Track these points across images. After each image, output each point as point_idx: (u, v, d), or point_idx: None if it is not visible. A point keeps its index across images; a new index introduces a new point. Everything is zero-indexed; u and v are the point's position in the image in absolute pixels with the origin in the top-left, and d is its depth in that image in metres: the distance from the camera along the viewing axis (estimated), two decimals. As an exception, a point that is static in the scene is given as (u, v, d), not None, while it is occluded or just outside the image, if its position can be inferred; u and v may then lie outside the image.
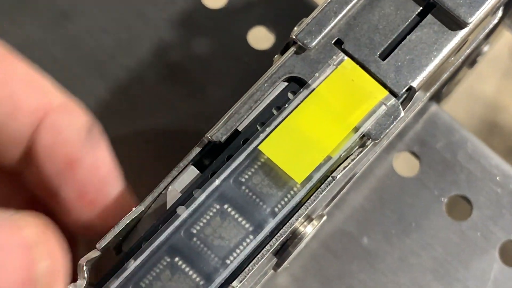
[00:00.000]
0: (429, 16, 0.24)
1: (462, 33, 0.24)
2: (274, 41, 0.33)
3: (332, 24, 0.24)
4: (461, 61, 0.28)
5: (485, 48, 0.31)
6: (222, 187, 0.23)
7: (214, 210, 0.23)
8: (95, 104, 0.31)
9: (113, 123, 0.31)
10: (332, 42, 0.24)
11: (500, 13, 0.28)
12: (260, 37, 0.33)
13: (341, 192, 0.28)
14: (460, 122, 0.33)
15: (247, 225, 0.22)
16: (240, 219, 0.23)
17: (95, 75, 0.32)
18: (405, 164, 0.33)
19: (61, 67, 0.32)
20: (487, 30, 0.27)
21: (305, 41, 0.24)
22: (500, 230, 0.31)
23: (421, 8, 0.24)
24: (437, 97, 0.32)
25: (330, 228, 0.31)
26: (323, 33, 0.24)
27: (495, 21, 0.28)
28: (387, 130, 0.24)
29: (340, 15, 0.24)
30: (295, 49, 0.24)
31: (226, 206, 0.23)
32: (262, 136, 0.23)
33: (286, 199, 0.23)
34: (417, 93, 0.24)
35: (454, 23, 0.24)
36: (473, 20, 0.24)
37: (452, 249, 0.31)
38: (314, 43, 0.24)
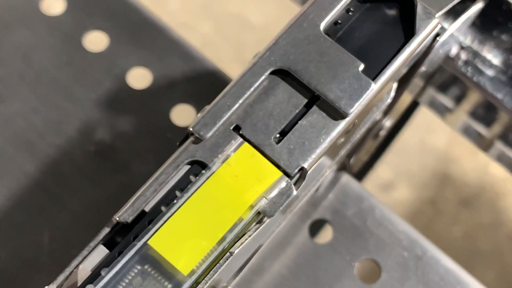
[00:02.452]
0: (314, 107, 0.27)
1: (344, 122, 0.26)
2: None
3: (226, 117, 0.26)
4: (359, 138, 0.30)
5: (387, 123, 0.33)
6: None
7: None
8: (25, 182, 0.33)
9: (43, 200, 0.33)
10: (231, 128, 0.27)
11: (392, 94, 0.30)
12: (183, 114, 0.36)
13: (249, 262, 0.30)
14: (368, 195, 0.35)
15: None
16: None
17: (25, 154, 0.34)
18: (318, 231, 0.35)
19: (-7, 148, 0.34)
20: (380, 109, 0.30)
21: (201, 133, 0.26)
22: (407, 292, 0.33)
23: (306, 100, 0.27)
24: (347, 168, 0.35)
25: (249, 294, 0.33)
26: (217, 125, 0.26)
27: (389, 101, 0.30)
28: (281, 208, 0.26)
29: (234, 107, 0.26)
30: (193, 139, 0.26)
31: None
32: (152, 230, 0.25)
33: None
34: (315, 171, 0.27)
35: (336, 113, 0.26)
36: (353, 110, 0.26)
37: (363, 311, 0.33)
38: (209, 135, 0.26)
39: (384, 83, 0.26)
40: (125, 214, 0.26)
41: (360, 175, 0.49)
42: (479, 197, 0.91)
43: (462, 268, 0.34)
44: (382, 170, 0.92)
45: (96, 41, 0.36)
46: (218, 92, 0.28)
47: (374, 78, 0.26)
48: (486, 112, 0.38)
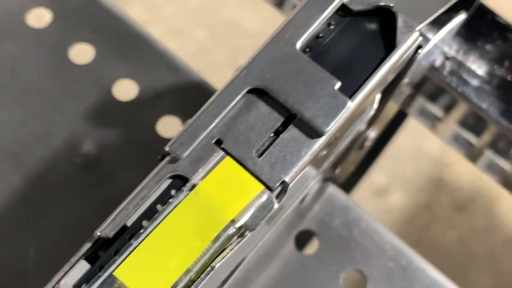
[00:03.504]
0: (291, 126, 0.27)
1: (321, 140, 0.26)
2: (183, 128, 0.35)
3: (202, 136, 0.26)
4: (343, 149, 0.30)
5: (372, 134, 0.33)
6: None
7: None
8: (11, 195, 0.33)
9: (29, 212, 0.33)
10: (213, 141, 0.27)
11: (375, 105, 0.30)
12: (169, 126, 0.36)
13: (233, 274, 0.30)
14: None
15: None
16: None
17: (11, 166, 0.34)
18: (305, 242, 0.35)
19: (-21, 160, 0.34)
20: (364, 121, 0.30)
21: (177, 152, 0.26)
22: (393, 302, 0.33)
23: (283, 119, 0.27)
24: (333, 178, 0.35)
25: (236, 306, 0.33)
26: (193, 145, 0.26)
27: (372, 112, 0.30)
28: (263, 221, 0.26)
29: (210, 127, 0.26)
30: (169, 158, 0.26)
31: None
32: (118, 261, 0.25)
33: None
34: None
35: (313, 132, 0.26)
36: (329, 129, 0.26)
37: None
38: (185, 154, 0.26)
39: (362, 100, 0.26)
40: (106, 229, 0.26)
41: (350, 184, 0.49)
42: (474, 202, 0.91)
43: (447, 278, 0.34)
44: (377, 175, 0.92)
45: (82, 53, 0.36)
46: (204, 103, 0.28)
47: (351, 95, 0.26)
48: (475, 121, 0.38)
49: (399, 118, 0.44)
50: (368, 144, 0.34)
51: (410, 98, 0.38)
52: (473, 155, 0.40)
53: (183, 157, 0.26)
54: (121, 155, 0.35)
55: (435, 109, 0.39)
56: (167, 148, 0.26)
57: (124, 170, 0.34)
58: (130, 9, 0.96)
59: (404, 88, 0.36)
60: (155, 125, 0.35)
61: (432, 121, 0.39)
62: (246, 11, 0.96)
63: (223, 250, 0.26)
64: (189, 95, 0.36)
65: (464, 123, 0.38)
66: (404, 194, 0.93)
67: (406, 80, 0.31)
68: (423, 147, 0.94)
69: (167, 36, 0.96)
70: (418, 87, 0.37)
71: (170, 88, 0.36)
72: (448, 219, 0.91)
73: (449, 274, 0.92)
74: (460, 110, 0.37)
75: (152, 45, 0.36)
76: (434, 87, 0.37)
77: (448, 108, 0.38)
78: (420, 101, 0.39)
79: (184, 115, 0.35)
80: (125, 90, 0.36)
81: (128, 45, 0.36)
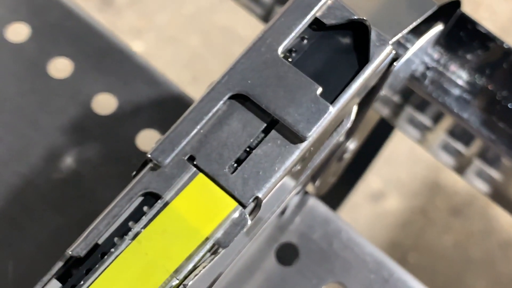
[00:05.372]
0: (273, 132, 0.27)
1: (302, 146, 0.26)
2: (162, 142, 0.35)
3: (184, 143, 0.26)
4: (321, 161, 0.30)
5: (351, 146, 0.33)
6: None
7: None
8: (-12, 211, 0.33)
9: (7, 229, 0.33)
10: (185, 158, 0.27)
11: (352, 117, 0.30)
12: (149, 139, 0.36)
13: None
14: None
15: None
16: None
17: (-12, 183, 0.34)
18: (285, 255, 0.35)
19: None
20: (340, 134, 0.30)
21: (159, 159, 0.26)
22: (374, 315, 0.33)
23: (265, 124, 0.27)
24: (314, 190, 0.35)
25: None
26: (175, 151, 0.26)
27: (349, 125, 0.30)
28: (236, 238, 0.26)
29: (192, 133, 0.26)
30: (151, 165, 0.26)
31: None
32: (90, 280, 0.25)
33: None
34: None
35: (295, 137, 0.26)
36: (312, 134, 0.26)
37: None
38: (167, 161, 0.26)
39: (342, 106, 0.26)
40: (78, 248, 0.25)
41: (340, 195, 0.49)
42: (470, 205, 0.91)
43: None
44: (372, 179, 0.92)
45: (60, 67, 0.36)
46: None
47: (332, 101, 0.26)
48: (459, 132, 0.38)
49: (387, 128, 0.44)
50: (347, 156, 0.34)
51: (395, 110, 0.38)
52: (459, 166, 0.39)
53: (165, 164, 0.26)
54: (100, 170, 0.34)
55: (421, 120, 0.38)
56: (148, 155, 0.26)
57: (104, 185, 0.34)
58: (123, 17, 0.96)
59: (386, 99, 0.36)
60: (134, 139, 0.35)
61: (418, 132, 0.39)
62: (239, 17, 0.96)
63: (196, 267, 0.26)
64: (168, 108, 0.36)
65: (448, 133, 0.38)
66: (400, 198, 0.93)
67: (382, 92, 0.31)
68: (419, 151, 0.94)
69: (161, 43, 0.96)
70: (401, 98, 0.37)
71: (149, 101, 0.35)
72: (444, 223, 0.91)
73: (446, 278, 0.92)
74: (444, 120, 0.37)
75: (131, 59, 0.36)
76: (416, 98, 0.37)
77: (435, 119, 0.38)
78: (405, 113, 0.38)
79: (163, 128, 0.35)
80: (104, 104, 0.35)
81: (107, 58, 0.36)
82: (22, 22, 0.37)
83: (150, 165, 0.26)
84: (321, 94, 0.27)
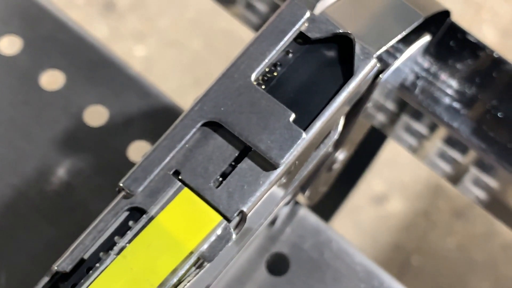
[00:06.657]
0: (246, 159, 0.26)
1: (276, 172, 0.26)
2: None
3: (156, 171, 0.26)
4: (309, 172, 0.30)
5: (340, 156, 0.33)
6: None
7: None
8: (-19, 223, 0.34)
9: (0, 239, 0.34)
10: (171, 173, 0.27)
11: (340, 129, 0.30)
12: (140, 150, 0.36)
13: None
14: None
15: None
16: None
17: (-19, 196, 0.34)
18: (276, 265, 0.35)
19: None
20: (328, 146, 0.30)
21: (131, 188, 0.26)
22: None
23: (238, 151, 0.27)
24: (309, 201, 0.35)
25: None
26: (147, 180, 0.26)
27: (336, 137, 0.30)
28: (220, 252, 0.26)
29: (165, 161, 0.26)
30: (124, 194, 0.26)
31: None
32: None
33: None
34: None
35: (268, 164, 0.26)
36: (284, 161, 0.26)
37: None
38: (140, 189, 0.26)
39: (318, 130, 0.26)
40: (63, 263, 0.26)
41: (333, 204, 0.49)
42: (472, 207, 0.91)
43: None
44: (375, 182, 0.92)
45: (52, 79, 0.36)
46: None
47: (306, 127, 0.26)
48: (451, 141, 0.38)
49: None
50: (336, 166, 0.34)
51: (391, 118, 0.38)
52: (455, 175, 0.39)
53: (138, 193, 0.26)
54: (92, 181, 0.35)
55: (417, 128, 0.38)
56: (121, 184, 0.26)
57: (95, 197, 0.34)
58: (125, 22, 0.97)
59: (382, 107, 0.36)
60: (126, 150, 0.35)
61: (415, 140, 0.39)
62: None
63: (181, 282, 0.26)
64: (160, 119, 0.36)
65: (444, 142, 0.38)
66: (403, 201, 0.93)
67: (370, 104, 0.31)
68: (421, 154, 0.94)
69: (163, 47, 0.97)
70: (396, 106, 0.37)
71: (140, 113, 0.36)
72: (447, 226, 0.91)
73: (449, 280, 0.92)
74: (439, 129, 0.37)
75: (122, 70, 0.37)
76: (410, 106, 0.37)
77: (431, 128, 0.38)
78: (401, 121, 0.38)
79: (155, 140, 0.35)
80: (96, 115, 0.36)
81: (98, 70, 0.36)
82: (14, 35, 0.37)
83: (122, 193, 0.26)
84: (295, 120, 0.26)
